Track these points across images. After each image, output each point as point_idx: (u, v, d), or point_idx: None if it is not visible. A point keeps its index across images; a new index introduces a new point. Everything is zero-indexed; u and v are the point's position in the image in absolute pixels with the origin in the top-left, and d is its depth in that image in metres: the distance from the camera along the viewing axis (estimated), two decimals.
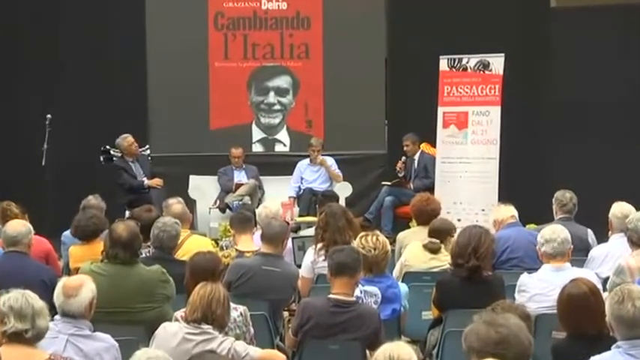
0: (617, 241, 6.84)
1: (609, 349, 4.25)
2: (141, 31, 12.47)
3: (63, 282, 4.77)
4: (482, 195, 10.34)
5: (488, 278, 6.03)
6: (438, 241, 7.00)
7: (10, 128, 12.09)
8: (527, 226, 8.11)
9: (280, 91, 12.87)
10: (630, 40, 12.04)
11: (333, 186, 11.98)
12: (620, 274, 5.90)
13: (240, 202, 11.30)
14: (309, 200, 11.68)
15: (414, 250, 7.10)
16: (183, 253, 6.86)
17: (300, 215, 11.47)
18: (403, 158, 11.72)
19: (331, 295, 5.35)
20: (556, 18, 12.20)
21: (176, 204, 7.83)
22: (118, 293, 5.67)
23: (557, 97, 11.98)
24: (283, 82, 12.86)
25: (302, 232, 10.20)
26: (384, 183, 11.86)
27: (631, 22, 12.02)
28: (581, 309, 4.66)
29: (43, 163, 10.66)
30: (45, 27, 12.29)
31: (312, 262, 6.89)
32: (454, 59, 10.67)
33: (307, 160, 12.18)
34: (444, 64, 10.75)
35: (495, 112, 10.47)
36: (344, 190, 11.88)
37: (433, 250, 6.96)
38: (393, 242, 7.59)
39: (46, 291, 4.89)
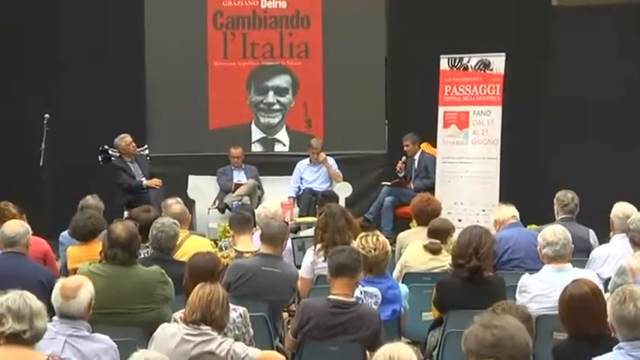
0: (619, 242, 6.84)
1: (611, 350, 4.22)
2: (139, 31, 12.45)
3: (61, 283, 4.75)
4: (483, 195, 10.32)
5: (489, 279, 6.02)
6: (438, 241, 6.99)
7: (9, 128, 12.06)
8: (529, 226, 8.11)
9: (280, 91, 12.86)
10: (631, 40, 12.03)
11: (332, 186, 11.97)
12: (622, 275, 5.83)
13: (240, 203, 11.29)
14: (308, 200, 11.67)
15: (413, 250, 7.08)
16: (182, 253, 6.84)
17: (299, 215, 11.46)
18: (403, 158, 11.71)
19: (331, 296, 5.34)
20: (557, 17, 12.18)
21: (175, 204, 7.82)
22: (117, 294, 5.65)
23: (557, 96, 11.97)
24: (283, 81, 12.85)
25: (302, 233, 10.17)
26: (384, 183, 11.85)
27: (632, 22, 12.00)
28: (582, 310, 4.64)
29: (41, 163, 10.63)
30: (45, 27, 12.27)
31: (312, 262, 6.88)
32: (455, 58, 10.65)
33: (307, 160, 12.17)
34: (444, 63, 10.73)
35: (496, 111, 10.45)
36: (344, 190, 11.87)
37: (434, 251, 6.95)
38: (393, 243, 7.59)
39: (44, 292, 4.90)
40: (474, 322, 3.61)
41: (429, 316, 6.35)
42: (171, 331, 4.81)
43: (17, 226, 6.55)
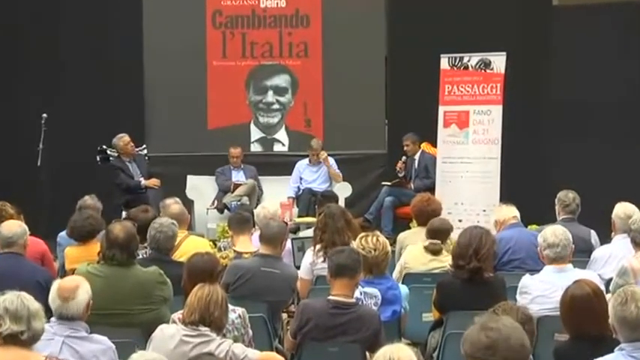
0: (621, 242, 6.82)
1: (612, 351, 4.20)
2: (138, 30, 12.43)
3: (57, 285, 4.73)
4: (483, 195, 10.30)
5: (489, 280, 6.01)
6: (439, 242, 6.98)
7: (8, 128, 12.03)
8: (529, 226, 8.11)
9: (279, 90, 12.83)
10: (632, 39, 12.01)
11: (332, 186, 11.95)
12: (624, 276, 5.89)
13: (239, 203, 11.28)
14: (308, 201, 11.65)
15: (413, 252, 7.08)
16: (181, 254, 6.82)
17: (299, 216, 11.46)
18: (403, 158, 11.70)
19: (331, 297, 5.32)
20: (558, 16, 12.16)
21: (174, 204, 7.78)
22: (115, 295, 5.62)
23: (558, 96, 11.96)
24: (282, 81, 12.83)
25: (301, 233, 10.16)
26: (384, 183, 11.83)
27: (632, 20, 11.98)
28: (584, 310, 4.62)
29: (39, 163, 10.60)
30: (45, 27, 12.25)
31: (311, 263, 6.87)
32: (455, 58, 10.64)
33: (306, 160, 12.15)
34: (444, 62, 10.71)
35: (497, 111, 10.43)
36: (344, 190, 11.85)
37: (434, 252, 6.93)
38: (393, 243, 7.58)
39: (41, 292, 4.86)
40: (474, 323, 3.58)
41: (429, 317, 6.33)
42: (170, 332, 4.79)
43: (15, 226, 6.54)
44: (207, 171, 12.09)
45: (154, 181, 11.31)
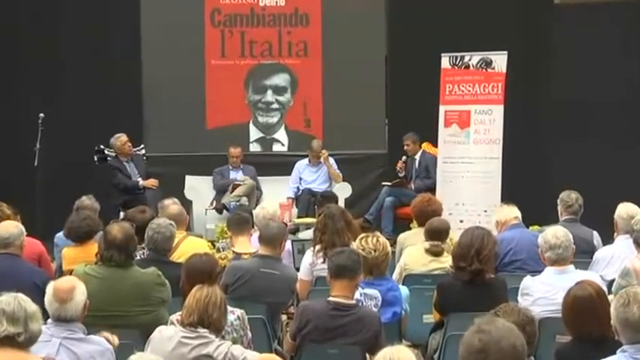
0: (623, 243, 6.82)
1: (614, 353, 4.18)
2: (136, 29, 12.39)
3: (53, 287, 4.70)
4: (484, 195, 10.29)
5: (490, 281, 6.00)
6: (439, 243, 6.96)
7: (7, 128, 11.99)
8: (531, 227, 8.12)
9: (278, 90, 12.81)
10: (633, 38, 12.00)
11: (332, 186, 11.92)
12: (626, 277, 5.87)
13: (238, 203, 11.24)
14: (307, 201, 11.63)
15: (413, 253, 7.05)
16: (179, 255, 6.80)
17: (298, 216, 11.45)
18: (404, 158, 11.68)
19: (330, 298, 5.30)
20: (559, 15, 12.13)
21: (172, 205, 7.76)
22: (113, 296, 5.60)
23: (560, 95, 11.94)
24: (281, 80, 12.80)
25: (301, 234, 10.15)
26: (384, 183, 11.82)
27: (633, 19, 11.96)
28: (586, 312, 4.60)
29: (36, 163, 10.57)
30: (44, 27, 12.22)
31: (311, 264, 6.86)
32: (456, 57, 10.62)
33: (306, 160, 12.12)
34: (445, 61, 10.69)
35: (498, 110, 10.41)
36: (343, 190, 11.82)
37: (436, 253, 6.90)
38: (393, 244, 7.60)
39: (38, 294, 4.80)
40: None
41: (430, 318, 6.32)
42: (168, 334, 4.76)
43: (11, 227, 6.51)
44: (205, 171, 12.06)
45: (152, 182, 11.28)
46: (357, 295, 5.45)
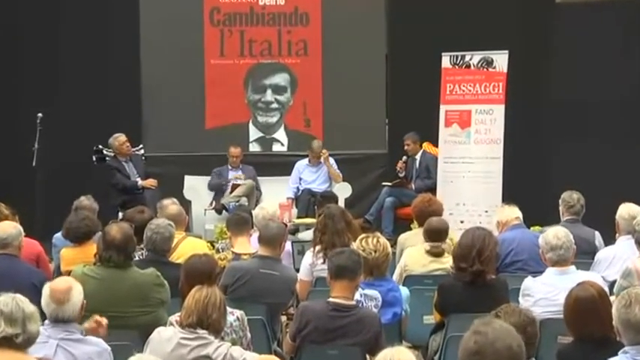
0: (625, 244, 6.80)
1: (616, 354, 4.18)
2: (135, 28, 12.37)
3: (49, 288, 4.68)
4: (485, 196, 10.29)
5: (491, 282, 5.97)
6: (440, 244, 6.94)
7: (7, 128, 11.96)
8: (532, 227, 8.11)
9: (278, 89, 12.79)
10: (634, 37, 11.98)
11: (332, 187, 11.89)
12: (628, 277, 5.87)
13: (237, 204, 11.21)
14: (307, 201, 11.61)
15: (413, 253, 7.03)
16: (178, 255, 6.77)
17: (298, 217, 11.44)
18: (404, 158, 11.66)
19: (330, 299, 5.29)
20: (560, 14, 12.10)
21: (171, 205, 7.74)
22: (112, 297, 5.58)
23: (561, 95, 11.93)
24: (281, 79, 12.78)
25: (301, 235, 10.12)
26: (384, 183, 11.79)
27: (635, 18, 11.93)
28: (588, 312, 4.58)
29: (34, 163, 10.54)
30: (44, 27, 12.19)
31: (311, 264, 6.84)
32: (457, 56, 10.61)
33: (306, 161, 12.10)
34: (446, 61, 10.68)
35: (499, 110, 10.41)
36: (343, 190, 11.79)
37: (436, 254, 6.88)
38: (393, 244, 7.58)
39: (36, 295, 4.79)
40: None
41: (431, 319, 6.30)
42: (167, 335, 4.75)
43: (9, 227, 6.50)
44: (205, 171, 12.02)
45: (150, 182, 11.24)
46: (357, 296, 5.44)
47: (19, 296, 4.10)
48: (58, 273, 6.90)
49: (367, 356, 5.09)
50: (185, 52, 12.45)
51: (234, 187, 11.66)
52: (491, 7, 11.95)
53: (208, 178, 11.98)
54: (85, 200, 8.02)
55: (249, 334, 5.26)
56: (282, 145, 12.85)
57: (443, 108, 10.71)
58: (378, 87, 12.58)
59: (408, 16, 12.22)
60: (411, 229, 8.57)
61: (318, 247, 6.81)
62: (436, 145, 11.01)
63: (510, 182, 10.37)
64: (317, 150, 11.96)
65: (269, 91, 12.77)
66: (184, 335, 4.67)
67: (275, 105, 12.79)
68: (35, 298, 4.38)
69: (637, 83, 11.84)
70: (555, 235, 5.96)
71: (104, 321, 4.85)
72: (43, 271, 6.77)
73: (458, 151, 10.60)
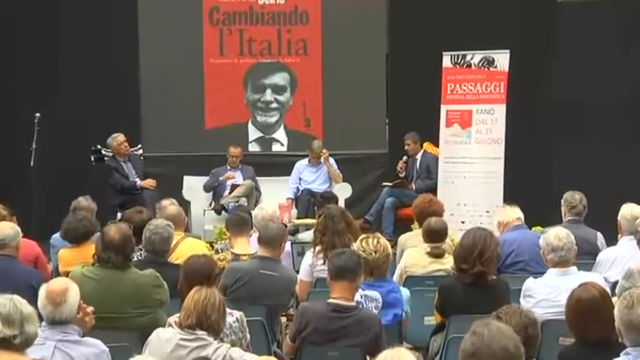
0: (627, 244, 6.80)
1: (618, 355, 4.17)
2: (134, 28, 12.35)
3: (45, 290, 4.64)
4: (486, 196, 10.28)
5: (492, 283, 5.95)
6: (440, 244, 6.92)
7: (6, 128, 11.94)
8: (533, 228, 8.10)
9: (277, 89, 12.75)
10: (635, 37, 11.95)
11: (332, 187, 11.86)
12: (630, 278, 5.81)
13: (236, 204, 11.17)
14: (307, 202, 11.58)
15: (413, 254, 7.00)
16: (177, 256, 6.76)
17: (298, 217, 11.41)
18: (404, 158, 11.65)
19: (331, 300, 5.27)
20: (561, 13, 12.09)
21: (170, 205, 7.75)
22: (110, 298, 5.56)
23: (562, 95, 11.91)
24: (280, 79, 12.75)
25: (301, 236, 10.09)
26: (384, 184, 11.77)
27: (635, 19, 11.90)
28: (590, 314, 4.56)
29: (32, 164, 10.52)
30: (43, 26, 12.17)
31: (311, 265, 6.83)
32: (458, 55, 10.60)
33: (306, 161, 12.07)
34: (447, 60, 10.68)
35: (500, 110, 10.40)
36: (343, 191, 11.76)
37: (437, 255, 6.86)
38: (394, 245, 7.53)
39: (34, 296, 4.75)
40: None
41: (431, 320, 6.28)
42: (166, 336, 4.73)
43: (7, 228, 6.50)
44: (204, 171, 11.97)
45: (149, 182, 11.23)
46: (357, 297, 5.42)
47: (16, 297, 4.07)
48: (57, 274, 6.93)
49: (367, 357, 5.06)
50: (184, 52, 12.42)
51: (234, 187, 11.63)
52: (492, 6, 11.92)
53: (207, 178, 11.95)
54: (84, 201, 8.02)
55: (248, 336, 5.23)
56: (282, 145, 12.82)
57: (444, 108, 10.70)
58: (379, 86, 12.54)
59: (408, 15, 12.18)
60: (411, 229, 8.55)
61: (318, 248, 6.80)
62: (437, 145, 11.00)
63: (511, 182, 10.36)
64: (317, 150, 11.93)
65: (268, 91, 12.74)
66: (183, 336, 4.65)
67: (275, 105, 12.76)
68: (33, 299, 4.36)
69: (637, 83, 11.83)
70: (556, 236, 5.94)
71: (89, 309, 4.80)
72: (41, 273, 6.75)
73: (459, 151, 10.59)
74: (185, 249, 6.89)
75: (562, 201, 7.69)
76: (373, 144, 12.57)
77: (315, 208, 10.51)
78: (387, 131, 12.65)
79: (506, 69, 10.33)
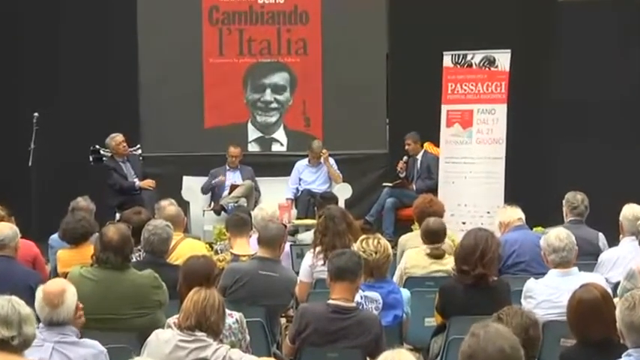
0: (629, 245, 6.79)
1: (619, 356, 4.16)
2: (133, 27, 12.33)
3: (42, 291, 4.62)
4: (487, 196, 10.26)
5: (493, 284, 5.92)
6: (440, 245, 6.89)
7: (5, 128, 11.92)
8: (535, 228, 8.08)
9: (277, 89, 12.74)
10: (635, 37, 11.93)
11: (332, 187, 11.83)
12: (632, 279, 5.86)
13: (236, 204, 11.15)
14: (307, 202, 11.56)
15: (412, 255, 6.98)
16: (177, 257, 6.74)
17: (297, 218, 11.39)
18: (405, 158, 11.63)
19: (331, 301, 5.25)
20: (562, 13, 12.06)
21: (169, 206, 7.74)
22: (109, 299, 5.55)
23: (561, 95, 11.88)
24: (280, 78, 12.73)
25: (300, 236, 10.07)
26: (385, 184, 11.75)
27: (635, 19, 11.89)
28: (591, 314, 4.54)
29: (30, 164, 10.50)
30: (43, 26, 12.15)
31: (311, 266, 6.81)
32: (458, 55, 10.59)
33: (305, 161, 12.05)
34: (447, 60, 10.66)
35: (501, 110, 10.39)
36: (343, 191, 11.73)
37: (437, 256, 6.83)
38: (394, 246, 7.51)
39: (33, 297, 4.74)
40: None
41: (432, 321, 6.25)
42: (165, 337, 4.71)
43: (6, 228, 6.50)
44: (203, 171, 11.96)
45: (148, 182, 11.21)
46: (357, 298, 5.40)
47: (15, 298, 4.07)
48: (55, 275, 6.92)
49: (367, 359, 5.02)
50: (183, 52, 12.40)
51: (233, 187, 11.61)
52: (492, 6, 11.90)
53: (206, 178, 11.93)
54: (82, 201, 7.99)
55: (248, 337, 5.22)
56: (282, 145, 12.80)
57: (444, 107, 10.69)
58: (379, 86, 12.52)
59: (409, 14, 12.16)
60: (412, 230, 8.53)
61: (318, 249, 6.77)
62: (437, 145, 10.98)
63: (512, 182, 10.34)
64: (317, 150, 11.91)
65: (268, 91, 12.72)
66: (182, 338, 4.63)
67: (274, 104, 12.74)
68: (31, 300, 4.36)
69: (637, 83, 11.82)
70: (557, 236, 5.92)
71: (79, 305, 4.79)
72: (40, 273, 6.74)
73: (459, 151, 10.57)
74: (184, 250, 6.87)
75: (564, 201, 7.67)
76: (373, 144, 12.55)
77: (315, 208, 10.50)
78: (388, 131, 12.63)
79: (508, 69, 10.32)
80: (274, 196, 11.24)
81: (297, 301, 6.64)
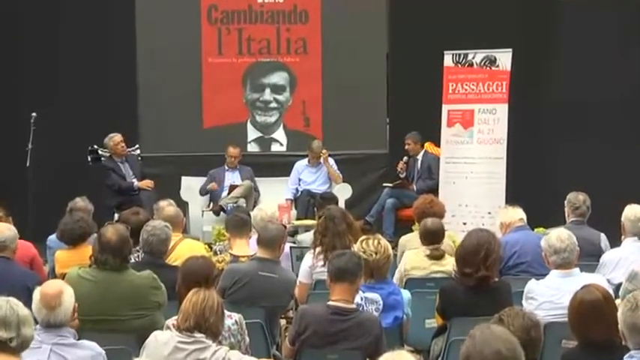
0: (631, 246, 6.79)
1: (621, 358, 4.16)
2: (132, 27, 12.32)
3: (40, 293, 4.61)
4: (488, 197, 10.27)
5: (495, 285, 5.90)
6: (439, 246, 6.89)
7: (4, 128, 11.90)
8: (536, 229, 8.06)
9: (277, 88, 12.72)
10: (635, 37, 11.93)
11: (332, 187, 11.82)
12: (634, 280, 5.79)
13: (235, 205, 11.13)
14: (307, 202, 11.55)
15: (412, 257, 6.96)
16: (175, 257, 6.73)
17: (297, 218, 11.38)
18: (405, 158, 11.62)
19: (330, 302, 5.23)
20: (562, 13, 12.05)
21: (168, 206, 7.74)
22: (107, 300, 5.54)
23: (561, 95, 11.87)
24: (280, 78, 12.72)
25: (300, 237, 10.04)
26: (385, 184, 11.74)
27: (635, 19, 11.88)
28: (593, 316, 4.52)
29: (27, 164, 10.48)
30: (43, 26, 12.16)
31: (311, 266, 6.79)
32: (459, 54, 10.59)
33: (305, 161, 12.04)
34: (448, 59, 10.67)
35: (502, 109, 10.38)
36: (343, 191, 11.72)
37: (437, 257, 6.82)
38: (395, 246, 7.48)
39: (30, 298, 4.73)
40: None
41: (433, 323, 6.24)
42: (164, 339, 4.69)
43: (6, 229, 6.51)
44: (202, 172, 11.95)
45: (147, 183, 11.22)
46: (357, 299, 5.39)
47: (13, 299, 4.06)
48: (53, 276, 6.89)
49: None
50: (182, 51, 12.39)
51: (232, 188, 11.60)
52: (492, 5, 11.89)
53: (205, 179, 11.91)
54: (80, 201, 7.96)
55: (247, 338, 5.20)
56: (281, 145, 12.78)
57: (445, 107, 10.69)
58: (379, 86, 12.50)
59: (409, 13, 12.15)
60: (412, 230, 8.49)
61: (318, 250, 6.76)
62: (438, 145, 10.98)
63: (513, 183, 10.35)
64: (317, 150, 11.90)
65: (268, 90, 12.71)
66: (181, 339, 4.62)
67: (274, 104, 12.73)
68: (29, 302, 4.37)
69: (637, 83, 11.82)
70: (558, 237, 5.91)
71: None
72: (38, 274, 6.71)
73: (460, 151, 10.58)
74: (183, 250, 6.86)
75: (565, 202, 7.65)
76: (373, 144, 12.53)
77: (315, 209, 10.48)
78: (388, 131, 12.61)
79: (509, 68, 10.32)
80: (274, 197, 11.24)
81: (296, 302, 6.65)
